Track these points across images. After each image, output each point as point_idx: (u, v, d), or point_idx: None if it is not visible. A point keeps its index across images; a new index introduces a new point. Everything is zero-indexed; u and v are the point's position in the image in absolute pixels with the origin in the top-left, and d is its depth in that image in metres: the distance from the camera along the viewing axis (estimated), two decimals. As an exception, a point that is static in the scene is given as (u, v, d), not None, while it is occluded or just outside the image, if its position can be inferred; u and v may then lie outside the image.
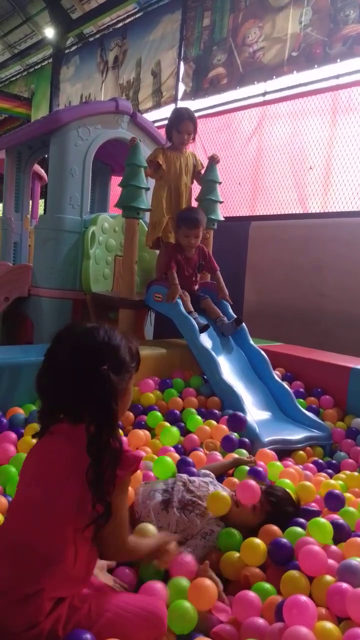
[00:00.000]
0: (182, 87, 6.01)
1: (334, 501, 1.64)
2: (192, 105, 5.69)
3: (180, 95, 6.01)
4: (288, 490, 1.63)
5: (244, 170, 5.02)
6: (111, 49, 7.57)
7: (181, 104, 5.84)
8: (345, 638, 1.08)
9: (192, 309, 2.95)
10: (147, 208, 3.15)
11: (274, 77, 4.91)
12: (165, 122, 3.31)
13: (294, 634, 1.05)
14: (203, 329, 2.83)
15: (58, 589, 1.01)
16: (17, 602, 0.97)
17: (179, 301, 3.01)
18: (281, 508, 1.54)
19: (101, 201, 4.55)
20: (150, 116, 5.88)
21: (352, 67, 4.34)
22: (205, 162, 3.35)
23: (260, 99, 4.99)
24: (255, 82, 5.05)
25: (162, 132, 3.45)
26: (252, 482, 1.54)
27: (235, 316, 3.05)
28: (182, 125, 3.13)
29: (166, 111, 6.01)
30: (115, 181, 4.02)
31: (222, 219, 3.51)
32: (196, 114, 5.54)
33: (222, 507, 1.49)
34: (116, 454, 1.05)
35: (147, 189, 3.15)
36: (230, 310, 3.13)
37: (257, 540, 1.37)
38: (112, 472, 1.03)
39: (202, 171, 3.33)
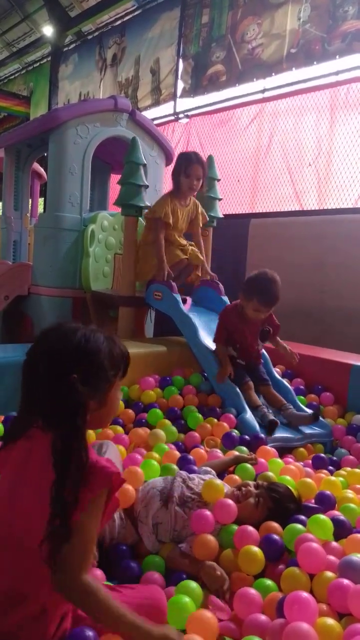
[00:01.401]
0: (181, 85, 6.00)
1: (325, 501, 1.64)
2: (191, 102, 5.68)
3: (179, 92, 6.00)
4: (289, 487, 1.63)
5: (243, 167, 5.02)
6: (110, 46, 7.55)
7: (180, 102, 5.83)
8: (346, 634, 1.08)
9: (259, 403, 2.44)
10: (145, 206, 3.13)
11: (273, 74, 4.90)
12: (165, 119, 3.29)
13: (296, 630, 1.05)
14: (271, 427, 2.30)
15: (58, 605, 0.97)
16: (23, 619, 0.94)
17: (178, 298, 3.01)
18: (283, 504, 1.54)
19: (100, 199, 4.55)
20: (149, 114, 5.88)
21: (351, 64, 4.32)
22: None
23: (260, 96, 4.98)
24: (255, 79, 5.04)
25: (162, 129, 3.43)
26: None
27: (309, 411, 2.47)
28: (191, 169, 2.96)
29: (165, 109, 6.01)
30: (115, 179, 4.02)
31: (222, 216, 3.50)
32: (195, 112, 5.60)
33: (215, 494, 1.50)
34: (81, 473, 0.93)
35: (147, 186, 3.15)
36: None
37: (255, 549, 1.37)
38: (75, 492, 0.92)
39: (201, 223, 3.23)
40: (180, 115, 5.76)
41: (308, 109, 4.56)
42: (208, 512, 1.45)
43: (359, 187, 4.20)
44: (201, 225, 3.21)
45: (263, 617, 1.17)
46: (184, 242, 3.15)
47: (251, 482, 1.62)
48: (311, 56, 4.64)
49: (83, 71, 8.25)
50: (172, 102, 5.98)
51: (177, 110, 5.87)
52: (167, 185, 5.41)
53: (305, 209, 4.48)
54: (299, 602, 1.11)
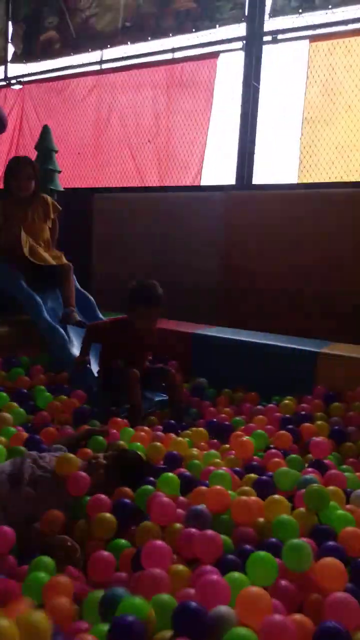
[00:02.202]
0: (11, 49, 5.59)
1: (172, 460, 1.76)
2: (24, 69, 5.35)
3: (10, 57, 5.59)
4: (138, 452, 1.69)
5: (84, 139, 4.90)
6: None
7: (12, 67, 5.45)
8: (194, 576, 1.17)
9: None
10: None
11: (109, 45, 4.83)
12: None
13: (152, 575, 1.10)
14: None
15: None
16: None
17: (19, 276, 2.88)
18: (131, 470, 1.60)
19: None
20: (-23, 77, 5.40)
21: (184, 43, 4.44)
22: None
23: (97, 67, 4.88)
24: (90, 50, 4.92)
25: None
26: None
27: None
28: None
29: (-5, 73, 5.57)
30: None
31: (62, 189, 3.40)
32: (29, 78, 5.28)
33: (68, 468, 1.51)
34: None
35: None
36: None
37: (107, 515, 1.40)
38: None
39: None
40: (13, 81, 5.39)
41: (146, 85, 4.60)
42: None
43: (195, 165, 4.38)
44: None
45: (122, 574, 1.21)
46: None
47: (101, 454, 1.65)
48: (145, 31, 4.66)
49: None
50: (2, 67, 5.56)
51: (9, 75, 5.48)
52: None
53: (146, 185, 4.55)
54: (153, 550, 1.17)
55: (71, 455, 1.58)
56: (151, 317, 2.41)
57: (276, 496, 1.44)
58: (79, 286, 3.17)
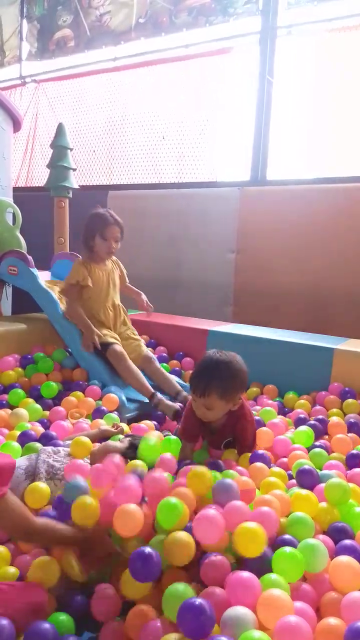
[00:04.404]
0: (26, 47, 5.62)
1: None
2: (39, 67, 5.37)
3: (24, 55, 5.62)
4: None
5: (98, 137, 4.91)
6: None
7: (27, 65, 5.48)
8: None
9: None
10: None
11: (122, 42, 4.82)
12: (10, 82, 3.07)
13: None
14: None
15: None
16: None
17: (35, 273, 2.90)
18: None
19: None
20: (-8, 76, 5.44)
21: (198, 38, 4.42)
22: None
23: (111, 64, 4.88)
24: (104, 46, 4.92)
25: (8, 94, 3.20)
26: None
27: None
28: (107, 230, 2.61)
29: (11, 72, 5.59)
30: None
31: (77, 187, 3.41)
32: (44, 76, 5.30)
33: (83, 450, 1.58)
34: None
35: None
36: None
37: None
38: None
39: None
40: (28, 80, 5.42)
41: (160, 81, 4.59)
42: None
43: (211, 161, 4.35)
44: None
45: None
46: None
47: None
48: (159, 27, 4.65)
49: None
50: (17, 65, 5.59)
51: (24, 74, 5.51)
52: (16, 153, 5.11)
53: (162, 182, 4.54)
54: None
55: (85, 438, 1.62)
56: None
57: (303, 491, 1.41)
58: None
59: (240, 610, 0.99)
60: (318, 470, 1.60)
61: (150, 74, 4.64)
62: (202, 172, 4.32)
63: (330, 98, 3.64)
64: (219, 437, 1.75)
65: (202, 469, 1.39)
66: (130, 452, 1.63)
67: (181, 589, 1.05)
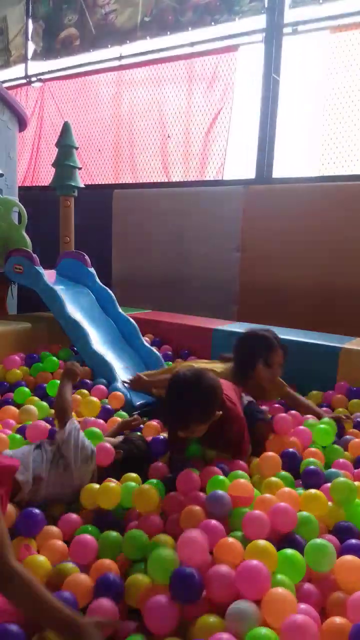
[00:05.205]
0: (32, 47, 5.63)
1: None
2: (44, 66, 5.38)
3: (30, 54, 5.63)
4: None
5: (104, 136, 4.92)
6: None
7: (32, 64, 5.49)
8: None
9: None
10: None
11: (128, 41, 4.82)
12: (16, 82, 3.06)
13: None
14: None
15: None
16: None
17: (41, 271, 2.91)
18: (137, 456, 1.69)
19: None
20: (-2, 76, 5.45)
21: (203, 36, 4.41)
22: None
23: (116, 63, 4.88)
24: (109, 46, 4.92)
25: (14, 93, 3.21)
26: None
27: None
28: (272, 355, 2.05)
29: (16, 71, 5.61)
30: None
31: (82, 185, 3.42)
32: (50, 75, 5.31)
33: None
34: None
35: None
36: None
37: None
38: None
39: None
40: (33, 79, 5.43)
41: (166, 80, 4.59)
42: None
43: (218, 159, 4.34)
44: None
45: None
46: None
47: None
48: (165, 26, 4.64)
49: None
50: (23, 65, 5.60)
51: (30, 73, 5.52)
52: (22, 152, 5.11)
53: (167, 180, 4.54)
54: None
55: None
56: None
57: (313, 491, 1.41)
58: (98, 281, 3.19)
59: (244, 605, 0.99)
60: (324, 470, 1.59)
61: (156, 73, 4.63)
62: (208, 171, 4.31)
63: (336, 96, 3.62)
64: (208, 441, 1.70)
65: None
66: (125, 445, 1.70)
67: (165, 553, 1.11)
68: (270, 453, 1.65)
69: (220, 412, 1.61)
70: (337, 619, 1.00)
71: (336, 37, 3.57)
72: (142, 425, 2.05)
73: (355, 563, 1.13)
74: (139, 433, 1.94)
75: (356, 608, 1.00)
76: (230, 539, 1.21)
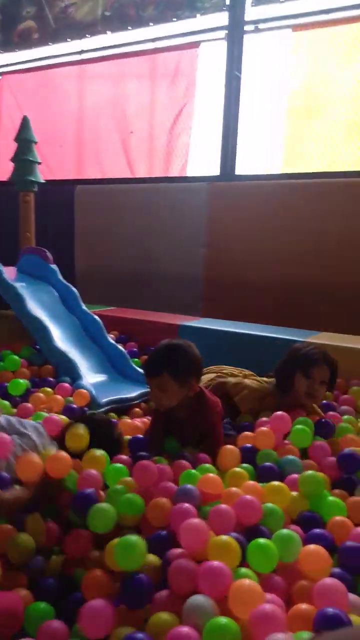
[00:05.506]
0: (-11, 39, 5.48)
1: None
2: (2, 59, 5.25)
3: (-13, 47, 5.49)
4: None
5: (65, 131, 4.84)
6: None
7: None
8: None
9: None
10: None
11: (88, 35, 4.75)
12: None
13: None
14: None
15: None
16: None
17: (1, 268, 2.83)
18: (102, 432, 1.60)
19: None
20: None
21: (164, 32, 4.39)
22: None
23: (77, 57, 4.81)
24: (69, 39, 4.84)
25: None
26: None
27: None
28: (314, 370, 1.91)
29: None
30: None
31: (43, 181, 3.35)
32: (7, 69, 5.18)
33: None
34: None
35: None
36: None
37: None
38: None
39: None
40: (-9, 72, 5.30)
41: (128, 75, 4.54)
42: None
43: (181, 156, 4.33)
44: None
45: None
46: None
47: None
48: (126, 21, 4.60)
49: None
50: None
51: (-13, 66, 5.39)
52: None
53: (130, 176, 4.50)
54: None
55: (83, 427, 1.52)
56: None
57: (276, 483, 1.41)
58: (61, 278, 3.14)
59: (200, 599, 0.99)
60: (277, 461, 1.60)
61: (119, 68, 4.58)
62: (172, 167, 4.30)
63: (297, 94, 3.67)
64: (188, 432, 1.72)
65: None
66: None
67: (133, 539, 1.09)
68: (230, 446, 1.65)
69: (199, 390, 1.69)
70: (303, 606, 1.01)
71: (298, 36, 3.61)
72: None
73: (319, 552, 1.14)
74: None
75: (321, 595, 1.01)
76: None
